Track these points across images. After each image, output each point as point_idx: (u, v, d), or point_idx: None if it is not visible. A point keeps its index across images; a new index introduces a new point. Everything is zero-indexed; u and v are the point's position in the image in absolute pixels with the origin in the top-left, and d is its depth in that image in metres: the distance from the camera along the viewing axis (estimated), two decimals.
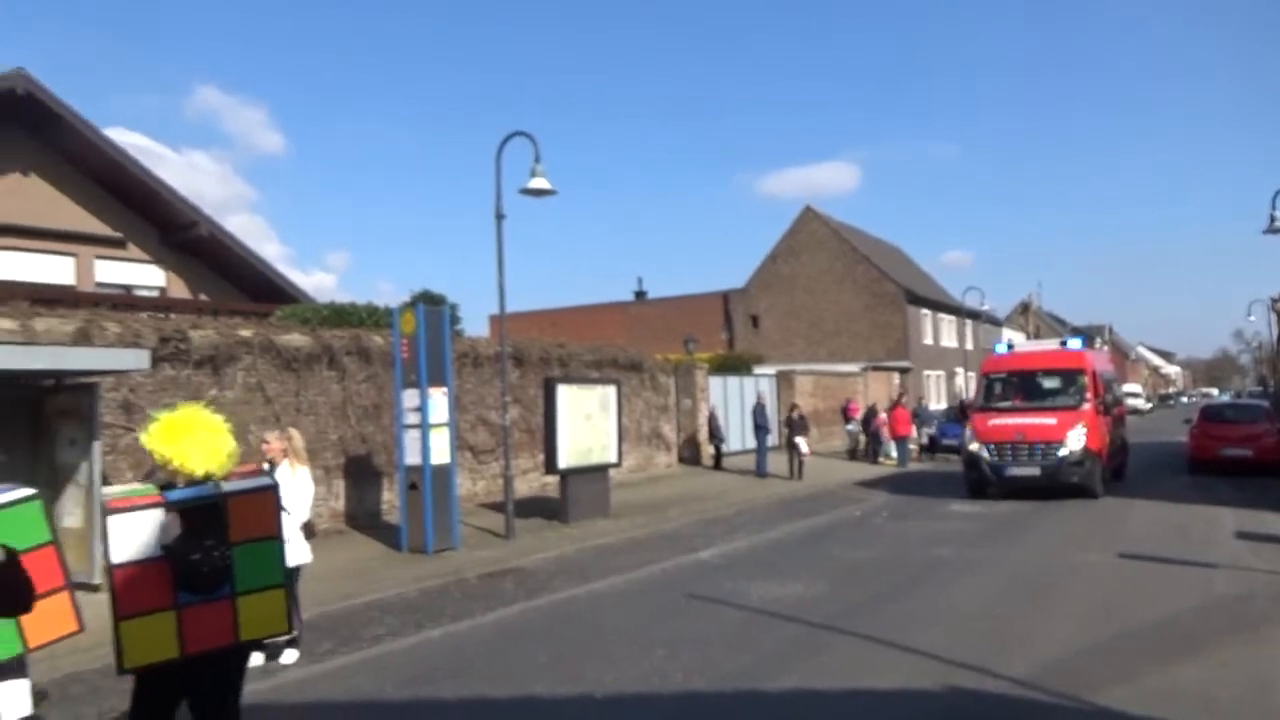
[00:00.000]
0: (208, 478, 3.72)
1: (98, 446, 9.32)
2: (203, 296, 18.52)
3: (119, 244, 17.76)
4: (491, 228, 12.64)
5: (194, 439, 3.70)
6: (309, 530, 7.06)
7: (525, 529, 12.77)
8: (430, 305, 12.89)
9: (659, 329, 42.25)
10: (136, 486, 4.06)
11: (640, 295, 49.18)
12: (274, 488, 3.89)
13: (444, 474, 11.42)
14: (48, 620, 3.62)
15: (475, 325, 45.79)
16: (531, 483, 16.72)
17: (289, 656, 6.78)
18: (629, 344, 24.40)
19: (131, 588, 3.51)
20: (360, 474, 13.49)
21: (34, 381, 9.61)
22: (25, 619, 3.50)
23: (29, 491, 3.68)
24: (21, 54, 71.02)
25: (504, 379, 13.19)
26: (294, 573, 6.89)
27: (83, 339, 10.50)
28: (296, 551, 6.88)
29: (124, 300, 15.67)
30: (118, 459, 10.56)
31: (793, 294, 43.39)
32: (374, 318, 16.01)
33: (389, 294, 63.82)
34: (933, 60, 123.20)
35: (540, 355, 17.77)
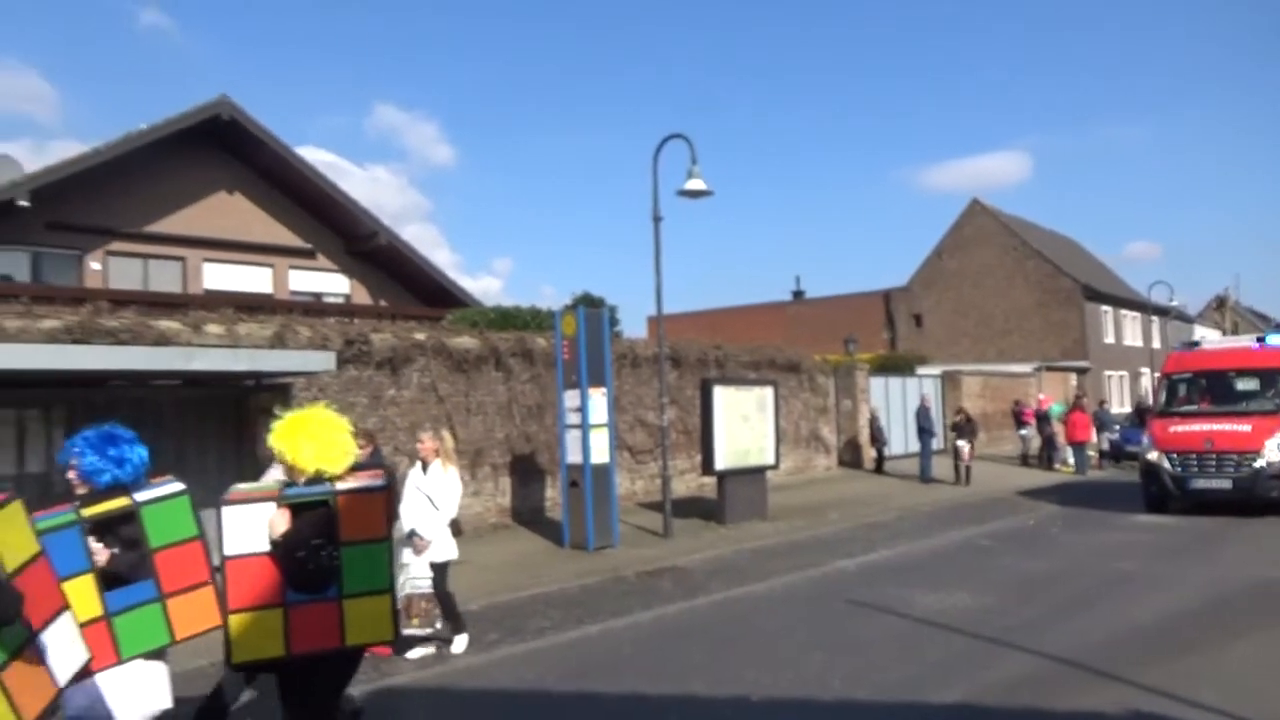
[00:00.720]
0: (319, 476, 3.74)
1: None
2: (382, 302, 19.76)
3: (310, 254, 19.24)
4: (650, 230, 12.86)
5: (310, 437, 3.75)
6: (456, 528, 7.32)
7: (683, 529, 12.90)
8: (590, 308, 13.25)
9: (818, 329, 41.54)
10: (267, 482, 4.15)
11: (798, 295, 48.51)
12: (385, 489, 3.81)
13: (603, 473, 11.70)
14: (193, 613, 3.60)
15: (633, 327, 46.47)
16: (689, 483, 16.86)
17: (459, 644, 7.10)
18: (787, 344, 24.14)
19: (242, 581, 3.56)
20: (524, 471, 14.03)
21: (238, 381, 10.56)
22: (172, 611, 3.53)
23: (178, 487, 3.69)
24: (226, 79, 77.84)
25: (662, 380, 13.37)
26: (442, 569, 7.12)
27: (278, 343, 11.42)
28: (444, 548, 7.13)
29: (314, 306, 16.98)
30: None
31: (959, 291, 41.63)
32: (537, 320, 16.59)
33: (551, 297, 66.07)
34: (1118, 40, 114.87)
35: (697, 356, 17.88)
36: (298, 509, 3.63)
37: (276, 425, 3.80)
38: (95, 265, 16.39)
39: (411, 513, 7.05)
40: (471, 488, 13.19)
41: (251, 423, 10.70)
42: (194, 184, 17.67)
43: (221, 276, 17.77)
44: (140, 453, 3.79)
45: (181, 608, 3.55)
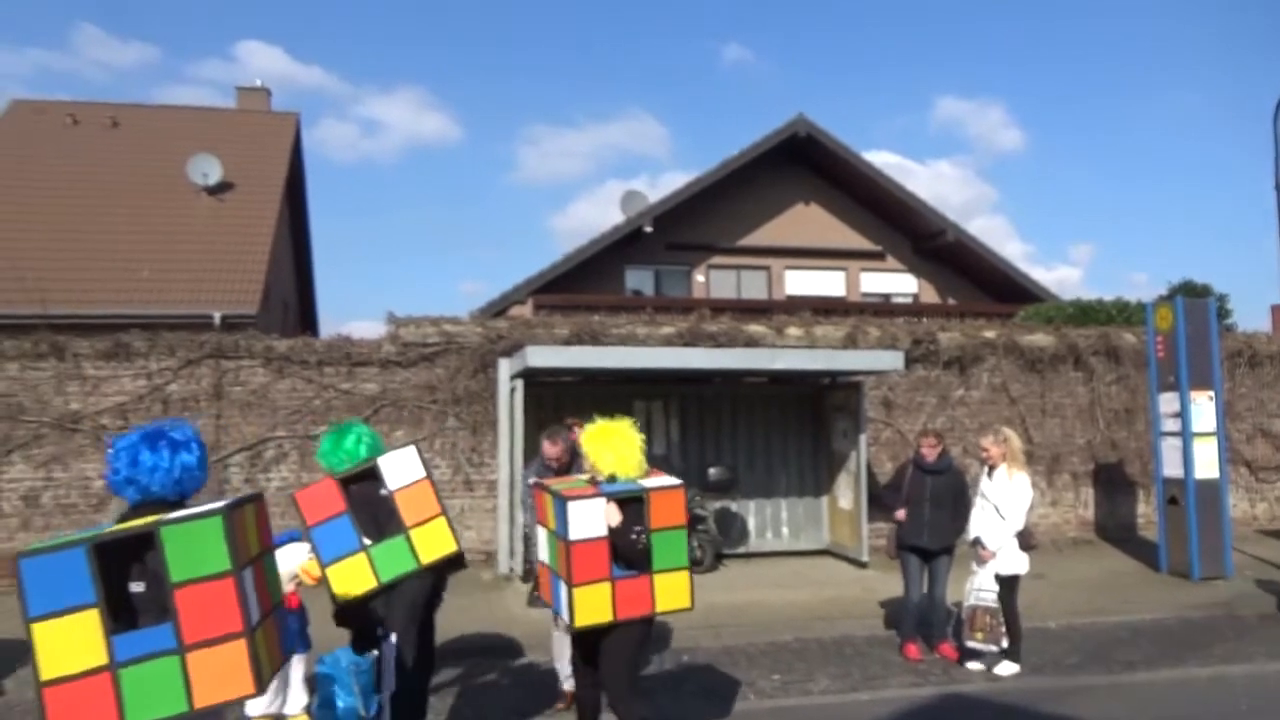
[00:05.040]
0: (613, 478, 4.38)
1: (863, 439, 10.61)
2: (950, 300, 19.56)
3: (878, 256, 19.89)
4: (1271, 201, 10.70)
5: (609, 446, 4.39)
6: (1026, 540, 6.68)
7: None
8: (1191, 297, 11.49)
9: None
10: (574, 479, 4.71)
11: None
12: (683, 486, 4.46)
13: (1211, 490, 10.07)
14: (218, 675, 2.72)
15: (1251, 318, 38.81)
16: None
17: (1006, 669, 6.62)
18: None
19: (584, 561, 4.21)
20: (1111, 483, 12.71)
21: (814, 380, 11.39)
22: (193, 669, 2.69)
23: (214, 506, 2.80)
24: (798, 98, 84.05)
25: None
26: (1011, 582, 6.65)
27: (850, 343, 12.04)
28: (1011, 560, 6.64)
29: (883, 307, 17.52)
30: (879, 450, 11.84)
31: None
32: (1123, 314, 14.93)
33: (1141, 286, 58.13)
34: None
35: None
36: (620, 501, 4.28)
37: (586, 430, 4.49)
38: (700, 278, 19.05)
39: (977, 520, 6.81)
40: (1048, 496, 12.40)
41: (826, 418, 11.46)
42: (776, 199, 19.48)
43: (800, 282, 19.31)
44: (184, 459, 3.01)
45: (205, 665, 2.72)
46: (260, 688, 2.80)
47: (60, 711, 2.61)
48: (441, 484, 10.78)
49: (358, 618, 4.49)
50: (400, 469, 4.43)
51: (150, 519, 2.75)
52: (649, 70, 76.22)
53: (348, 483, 4.40)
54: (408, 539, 4.34)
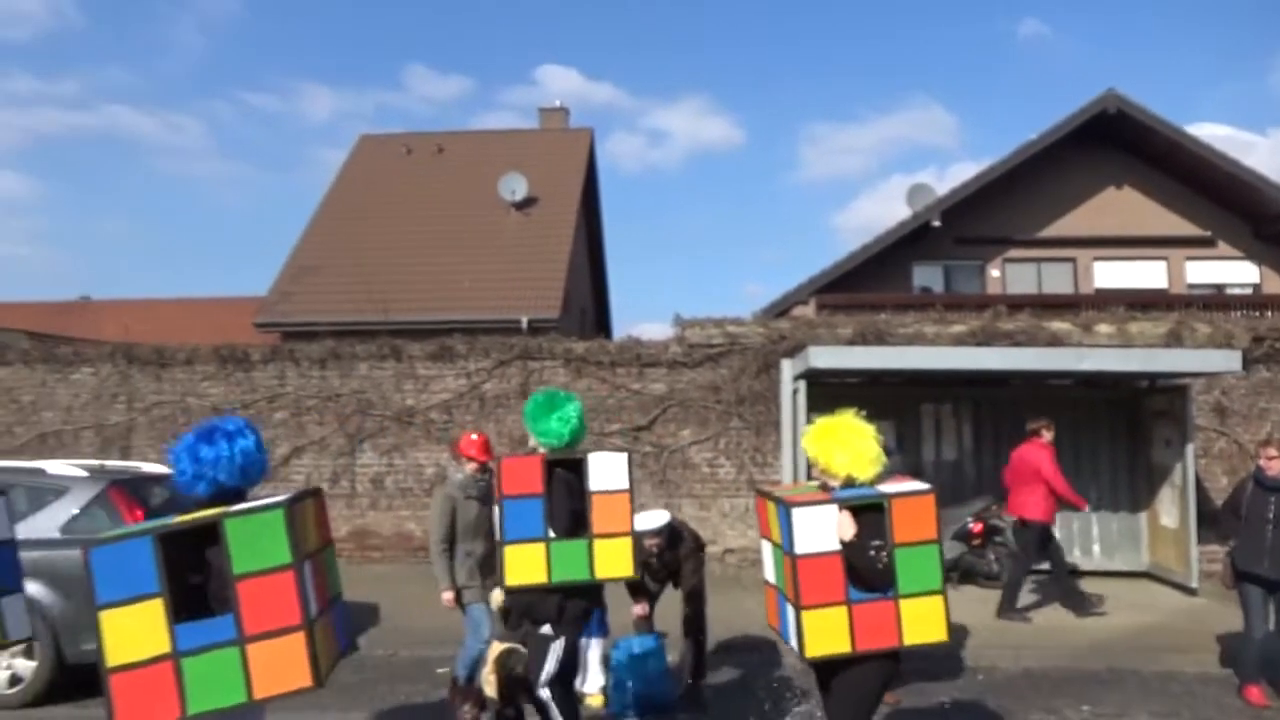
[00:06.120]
0: (849, 481, 3.72)
1: (1190, 449, 9.48)
2: None
3: (1208, 243, 17.62)
4: None
5: (839, 443, 3.75)
6: None
7: None
8: None
9: None
10: (804, 485, 4.14)
11: None
12: (933, 492, 3.75)
13: None
14: (277, 667, 2.83)
15: None
16: None
17: None
18: None
19: (813, 580, 3.63)
20: None
21: (1129, 383, 10.34)
22: (252, 660, 2.82)
23: (276, 499, 2.95)
24: (1106, 73, 76.02)
25: None
26: None
27: (1173, 341, 10.80)
28: None
29: (1214, 300, 15.50)
30: (1210, 463, 10.53)
31: None
32: None
33: None
34: None
35: None
36: (855, 510, 3.69)
37: (809, 430, 3.92)
38: (994, 273, 17.90)
39: None
40: None
41: (1145, 425, 10.36)
42: (1081, 184, 17.83)
43: (1111, 274, 17.54)
44: (243, 445, 3.10)
45: (264, 657, 2.84)
46: (318, 680, 2.88)
47: (126, 697, 2.74)
48: (726, 483, 11.07)
49: (532, 608, 4.26)
50: (607, 472, 4.26)
51: (215, 511, 2.89)
52: (935, 57, 72.83)
53: (554, 465, 4.25)
54: (590, 547, 4.16)
